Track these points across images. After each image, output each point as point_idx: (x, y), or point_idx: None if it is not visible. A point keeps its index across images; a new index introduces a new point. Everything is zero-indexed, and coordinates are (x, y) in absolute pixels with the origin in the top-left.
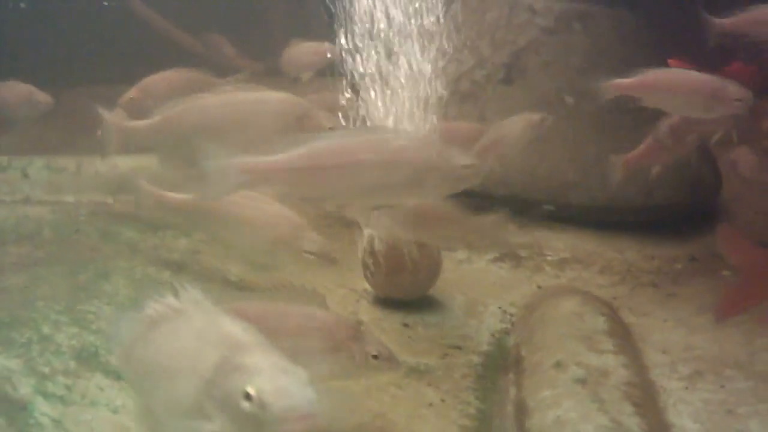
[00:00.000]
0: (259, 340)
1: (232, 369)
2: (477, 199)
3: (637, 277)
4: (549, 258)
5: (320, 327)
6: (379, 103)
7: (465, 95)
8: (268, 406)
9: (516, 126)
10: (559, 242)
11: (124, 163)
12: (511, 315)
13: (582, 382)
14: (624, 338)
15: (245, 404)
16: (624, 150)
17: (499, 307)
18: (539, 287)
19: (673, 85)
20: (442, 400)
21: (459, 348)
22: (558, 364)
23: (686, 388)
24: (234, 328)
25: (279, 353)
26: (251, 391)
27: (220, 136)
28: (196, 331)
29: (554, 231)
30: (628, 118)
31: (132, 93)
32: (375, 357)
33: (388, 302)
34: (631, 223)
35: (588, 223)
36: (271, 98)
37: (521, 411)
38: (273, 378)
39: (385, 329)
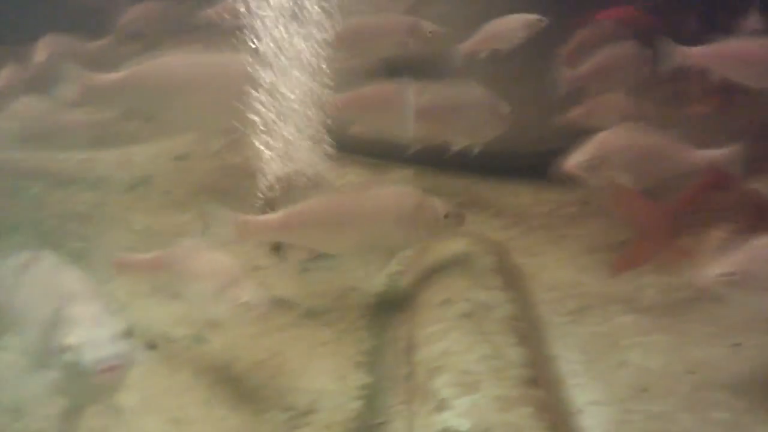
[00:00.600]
0: (90, 293)
1: (60, 321)
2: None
3: (531, 220)
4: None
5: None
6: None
7: None
8: (81, 356)
9: (512, 23)
10: (457, 187)
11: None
12: (406, 257)
13: (468, 316)
14: (513, 276)
15: (66, 355)
16: None
17: None
18: None
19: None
20: (338, 339)
21: (355, 289)
22: (446, 301)
23: (572, 322)
24: (70, 281)
25: (102, 304)
26: (69, 342)
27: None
28: (42, 283)
29: (452, 177)
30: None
31: None
32: (446, 217)
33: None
34: (526, 169)
35: (485, 170)
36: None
37: (411, 345)
38: (88, 330)
39: (283, 273)
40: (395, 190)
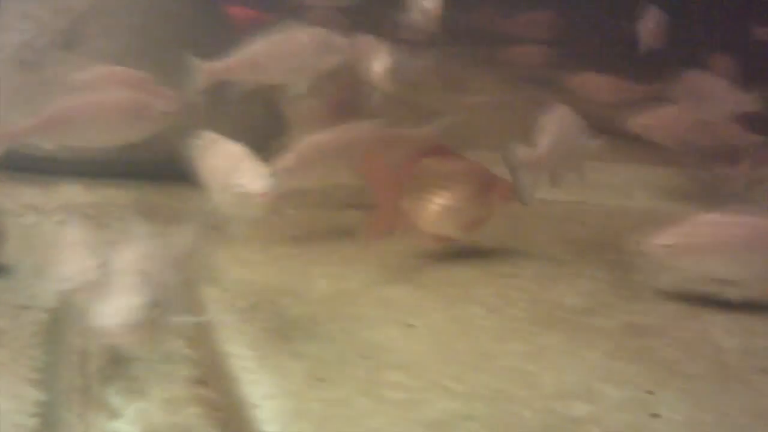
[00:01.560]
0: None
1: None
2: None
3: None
4: (116, 214)
5: None
6: None
7: (26, 62)
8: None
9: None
10: (127, 198)
11: None
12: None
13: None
14: None
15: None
16: None
17: None
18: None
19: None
20: (13, 359)
21: (27, 308)
22: None
23: (243, 320)
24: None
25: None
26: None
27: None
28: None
29: (120, 189)
30: None
31: None
32: None
33: None
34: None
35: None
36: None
37: (85, 358)
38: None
39: None
40: None
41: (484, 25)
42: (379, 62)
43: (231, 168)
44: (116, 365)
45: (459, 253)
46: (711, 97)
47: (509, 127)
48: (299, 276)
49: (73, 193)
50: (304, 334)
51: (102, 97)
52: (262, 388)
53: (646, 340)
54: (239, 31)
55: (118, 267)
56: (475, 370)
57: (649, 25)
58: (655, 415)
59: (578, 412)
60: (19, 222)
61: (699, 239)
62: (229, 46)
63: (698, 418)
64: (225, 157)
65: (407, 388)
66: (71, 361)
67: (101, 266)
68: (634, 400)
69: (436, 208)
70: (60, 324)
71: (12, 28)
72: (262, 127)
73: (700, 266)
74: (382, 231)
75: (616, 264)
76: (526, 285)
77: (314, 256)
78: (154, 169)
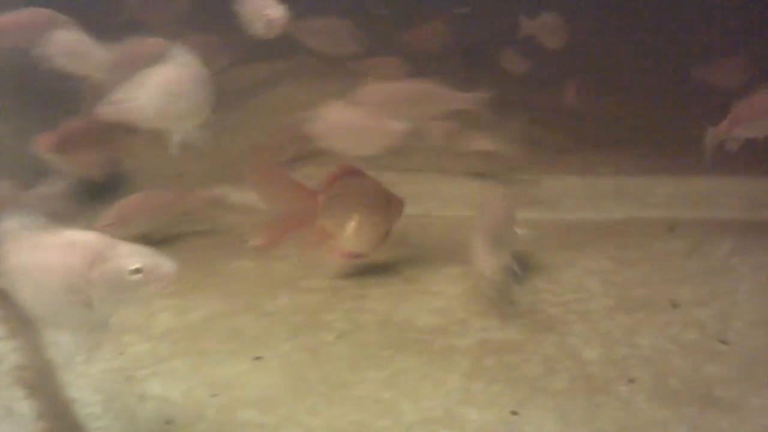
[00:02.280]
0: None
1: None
2: None
3: None
4: None
5: None
6: None
7: None
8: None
9: None
10: None
11: None
12: None
13: None
14: (20, 321)
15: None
16: None
17: None
18: None
19: None
20: None
21: None
22: None
23: (84, 361)
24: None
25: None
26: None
27: None
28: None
29: None
30: None
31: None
32: None
33: None
34: None
35: None
36: None
37: None
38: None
39: None
40: None
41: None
42: None
43: None
44: None
45: (302, 276)
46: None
47: None
48: (140, 310)
49: None
50: (149, 372)
51: None
52: None
53: (504, 357)
54: None
55: None
56: (330, 402)
57: None
58: None
59: None
60: None
61: None
62: None
63: None
64: None
65: (262, 427)
66: None
67: None
68: (499, 422)
69: (354, 225)
70: None
71: None
72: None
73: None
74: (277, 241)
75: (465, 277)
76: (375, 306)
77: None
78: None
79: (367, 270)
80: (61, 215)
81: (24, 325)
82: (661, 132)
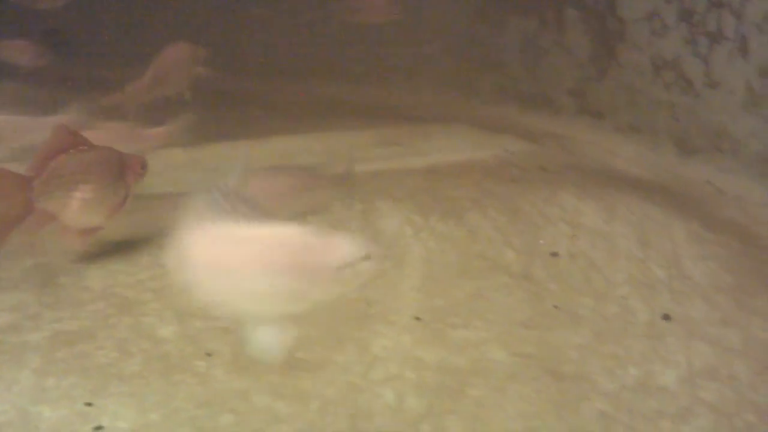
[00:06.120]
0: None
1: None
2: None
3: None
4: None
5: None
6: None
7: None
8: None
9: None
10: None
11: None
12: None
13: None
14: None
15: None
16: None
17: None
18: None
19: None
20: None
21: None
22: None
23: None
24: None
25: None
26: None
27: None
28: None
29: None
30: None
31: None
32: None
33: None
34: None
35: None
36: None
37: None
38: None
39: None
40: None
41: None
42: None
43: None
44: None
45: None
46: None
47: None
48: None
49: None
50: None
51: None
52: None
53: (77, 347)
54: None
55: None
56: None
57: None
58: (98, 428)
59: None
60: None
61: None
62: None
63: (145, 420)
64: None
65: None
66: None
67: None
68: (74, 416)
69: (77, 203)
70: None
71: None
72: None
73: None
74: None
75: (41, 268)
76: None
77: None
78: None
79: None
80: None
81: None
82: None
